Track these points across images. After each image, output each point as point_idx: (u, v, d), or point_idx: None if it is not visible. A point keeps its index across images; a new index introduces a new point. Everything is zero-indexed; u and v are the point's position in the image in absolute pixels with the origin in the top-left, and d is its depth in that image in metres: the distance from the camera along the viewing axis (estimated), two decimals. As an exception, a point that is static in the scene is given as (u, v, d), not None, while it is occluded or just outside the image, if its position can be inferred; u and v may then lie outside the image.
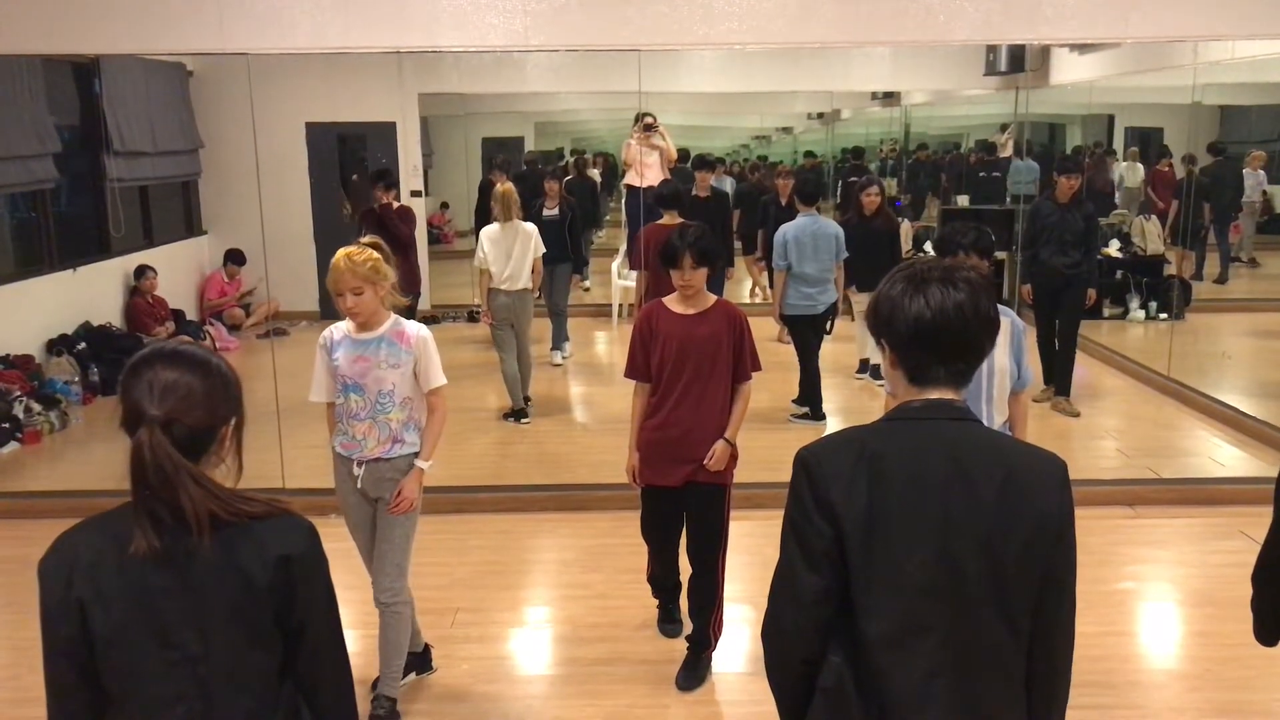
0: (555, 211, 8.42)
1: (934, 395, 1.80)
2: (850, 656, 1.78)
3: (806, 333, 7.04)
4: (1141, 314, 10.07)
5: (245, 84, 6.82)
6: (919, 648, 1.74)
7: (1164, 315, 9.73)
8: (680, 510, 3.93)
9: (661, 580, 4.20)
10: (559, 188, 8.61)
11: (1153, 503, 5.60)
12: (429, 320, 10.70)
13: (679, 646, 4.10)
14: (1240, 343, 9.62)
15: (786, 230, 6.96)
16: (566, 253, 8.48)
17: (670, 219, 7.01)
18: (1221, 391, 7.46)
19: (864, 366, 8.17)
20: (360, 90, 10.23)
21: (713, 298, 3.87)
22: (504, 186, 7.18)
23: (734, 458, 3.87)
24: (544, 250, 7.25)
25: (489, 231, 7.00)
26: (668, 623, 4.29)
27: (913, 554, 1.73)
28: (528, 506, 5.62)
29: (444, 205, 13.68)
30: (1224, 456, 6.47)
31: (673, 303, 3.86)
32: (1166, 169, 11.26)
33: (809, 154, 14.76)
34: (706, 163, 8.71)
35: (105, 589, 1.65)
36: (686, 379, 3.78)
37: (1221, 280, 10.92)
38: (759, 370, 3.87)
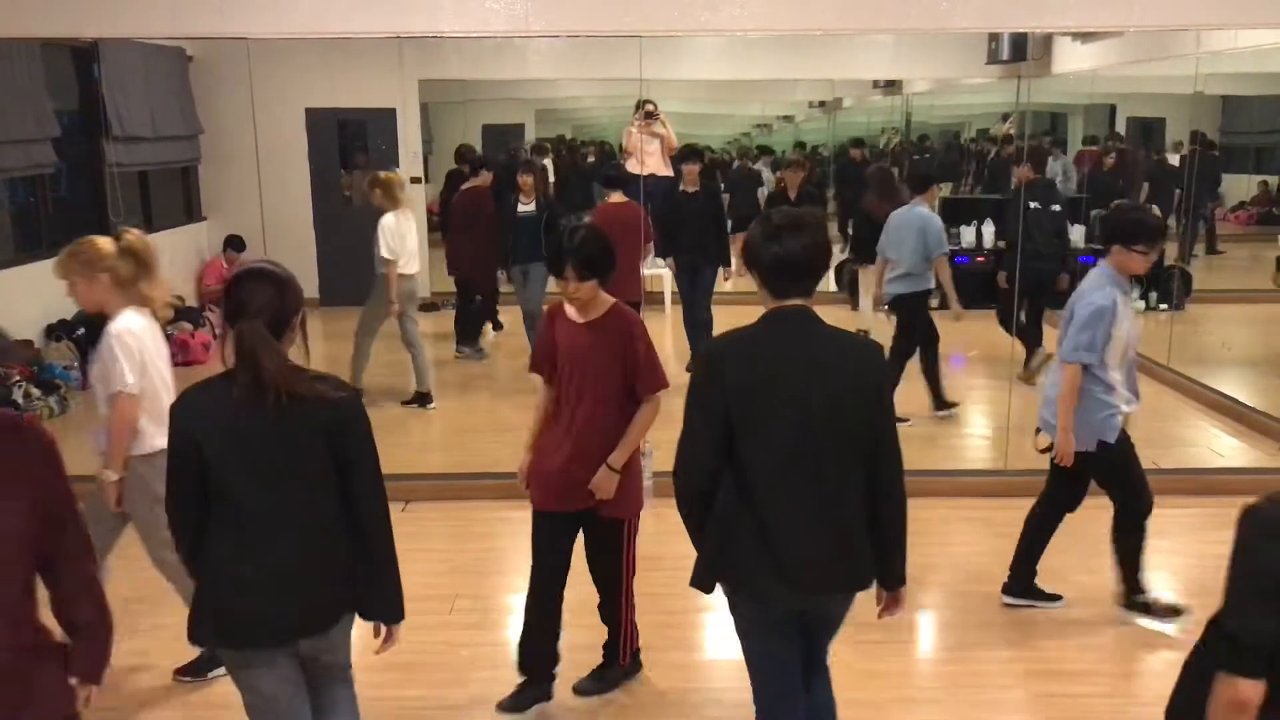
0: (531, 207, 7.97)
1: (791, 303, 2.55)
2: (738, 490, 2.54)
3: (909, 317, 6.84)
4: (1141, 304, 10.04)
5: (245, 69, 6.79)
6: (789, 485, 2.51)
7: (1164, 306, 9.73)
8: (570, 542, 3.59)
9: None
10: (533, 182, 8.11)
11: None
12: (429, 307, 10.69)
13: (679, 634, 4.10)
14: (1240, 333, 9.63)
15: (890, 218, 6.90)
16: (543, 251, 7.83)
17: (617, 199, 7.12)
18: (1221, 382, 7.47)
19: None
20: (360, 76, 10.19)
21: (609, 302, 3.44)
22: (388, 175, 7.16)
23: (631, 491, 3.50)
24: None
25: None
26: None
27: (779, 413, 2.49)
28: (527, 494, 5.61)
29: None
30: (1223, 447, 6.48)
31: (571, 310, 3.47)
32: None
33: (799, 144, 14.91)
34: (695, 152, 8.09)
35: (211, 428, 2.39)
36: (575, 395, 3.42)
37: (1211, 250, 10.98)
38: (664, 387, 3.45)
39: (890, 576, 2.71)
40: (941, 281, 6.72)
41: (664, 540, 3.83)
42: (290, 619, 2.49)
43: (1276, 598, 1.87)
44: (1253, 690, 1.90)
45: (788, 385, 2.48)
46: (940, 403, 6.90)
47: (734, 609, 2.75)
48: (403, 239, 6.92)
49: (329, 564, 2.51)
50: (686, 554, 2.77)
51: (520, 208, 7.97)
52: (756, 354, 2.52)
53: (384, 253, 6.81)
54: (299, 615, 2.50)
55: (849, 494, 2.53)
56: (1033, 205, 7.30)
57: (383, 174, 7.20)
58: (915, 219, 6.70)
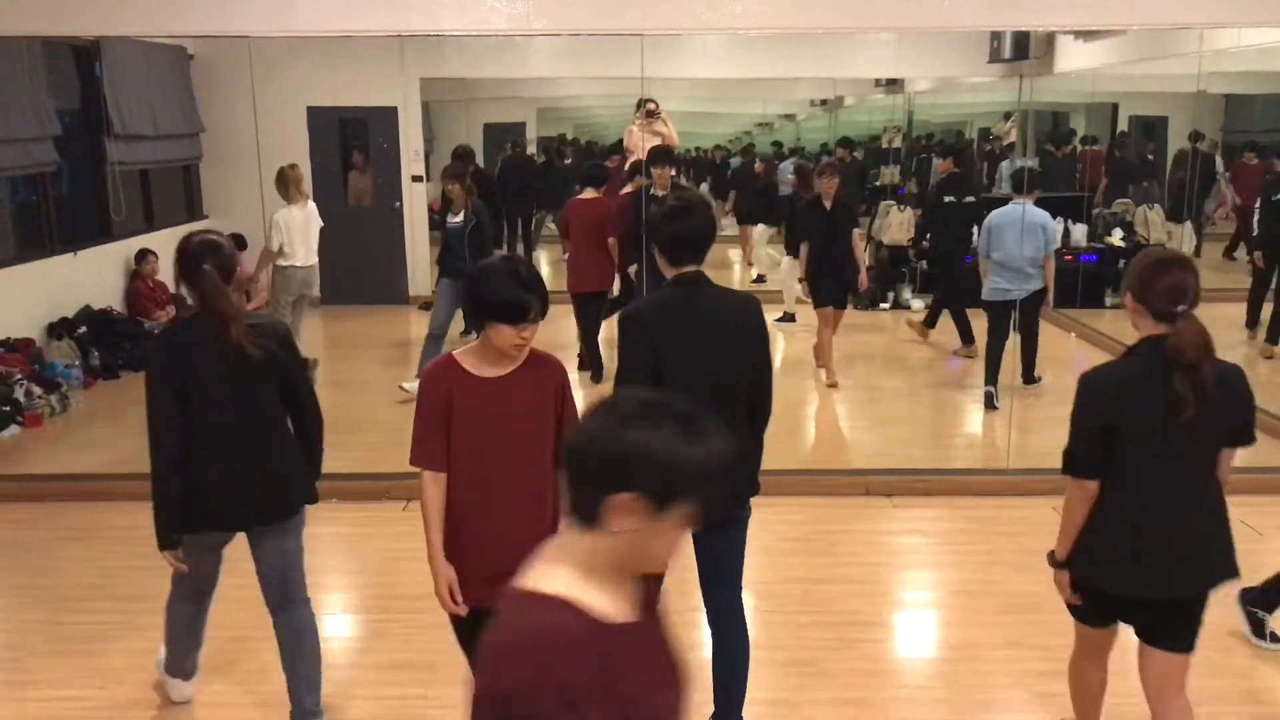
0: (459, 219, 7.35)
1: (688, 269, 3.14)
2: None
3: (999, 319, 7.07)
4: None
5: (246, 68, 6.81)
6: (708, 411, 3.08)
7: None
8: None
9: None
10: (460, 190, 7.38)
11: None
12: (429, 306, 10.68)
13: (678, 634, 4.09)
14: (1241, 333, 9.60)
15: (991, 217, 7.07)
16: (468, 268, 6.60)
17: (589, 195, 7.29)
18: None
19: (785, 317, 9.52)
20: (362, 74, 10.19)
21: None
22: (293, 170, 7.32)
23: None
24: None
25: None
26: None
27: (692, 353, 3.07)
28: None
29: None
30: (1225, 446, 6.46)
31: (472, 363, 2.84)
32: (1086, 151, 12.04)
33: (775, 144, 15.08)
34: (665, 155, 7.46)
35: (184, 357, 3.12)
36: (500, 466, 2.87)
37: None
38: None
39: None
40: (1047, 276, 6.96)
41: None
42: (249, 508, 3.20)
43: (1096, 431, 2.87)
44: (1092, 487, 2.90)
45: (696, 331, 3.09)
46: (1030, 377, 7.34)
47: None
48: (292, 232, 7.08)
49: (281, 460, 3.24)
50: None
51: (450, 219, 7.43)
52: (670, 308, 3.13)
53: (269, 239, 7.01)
54: (258, 503, 3.21)
55: (741, 420, 3.15)
56: (947, 199, 7.43)
57: (285, 166, 7.33)
58: (1032, 214, 6.84)
